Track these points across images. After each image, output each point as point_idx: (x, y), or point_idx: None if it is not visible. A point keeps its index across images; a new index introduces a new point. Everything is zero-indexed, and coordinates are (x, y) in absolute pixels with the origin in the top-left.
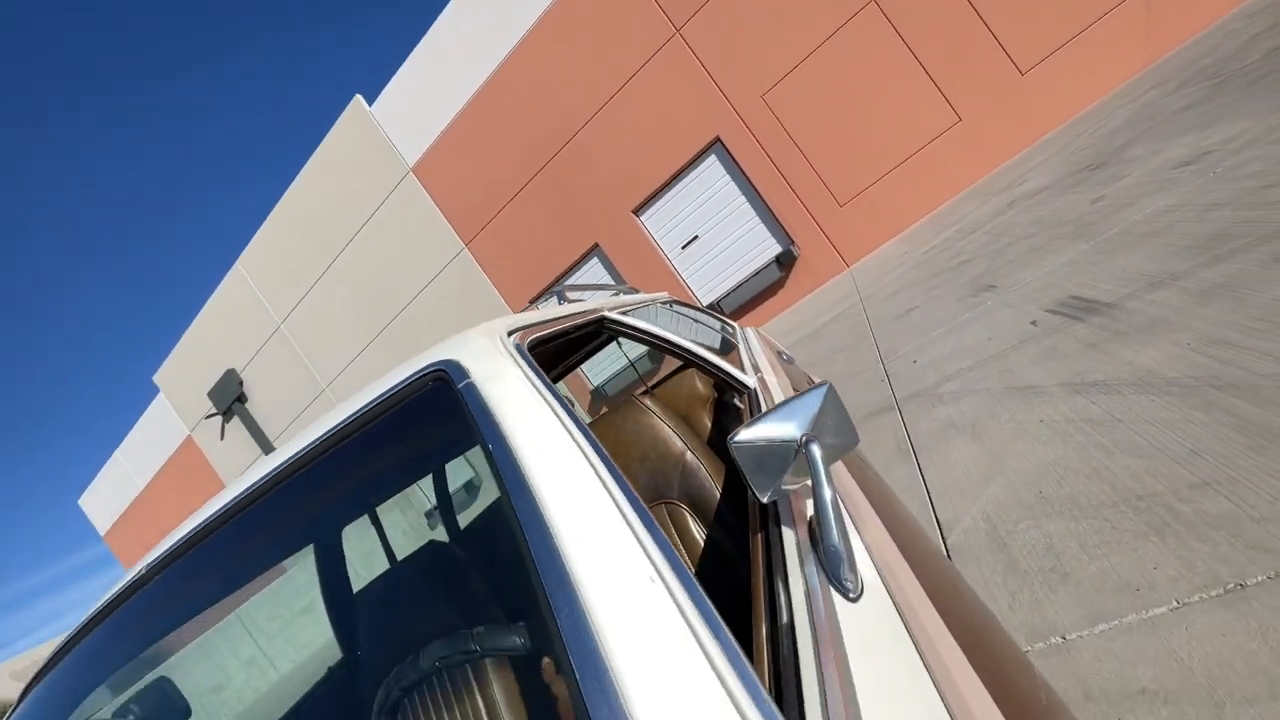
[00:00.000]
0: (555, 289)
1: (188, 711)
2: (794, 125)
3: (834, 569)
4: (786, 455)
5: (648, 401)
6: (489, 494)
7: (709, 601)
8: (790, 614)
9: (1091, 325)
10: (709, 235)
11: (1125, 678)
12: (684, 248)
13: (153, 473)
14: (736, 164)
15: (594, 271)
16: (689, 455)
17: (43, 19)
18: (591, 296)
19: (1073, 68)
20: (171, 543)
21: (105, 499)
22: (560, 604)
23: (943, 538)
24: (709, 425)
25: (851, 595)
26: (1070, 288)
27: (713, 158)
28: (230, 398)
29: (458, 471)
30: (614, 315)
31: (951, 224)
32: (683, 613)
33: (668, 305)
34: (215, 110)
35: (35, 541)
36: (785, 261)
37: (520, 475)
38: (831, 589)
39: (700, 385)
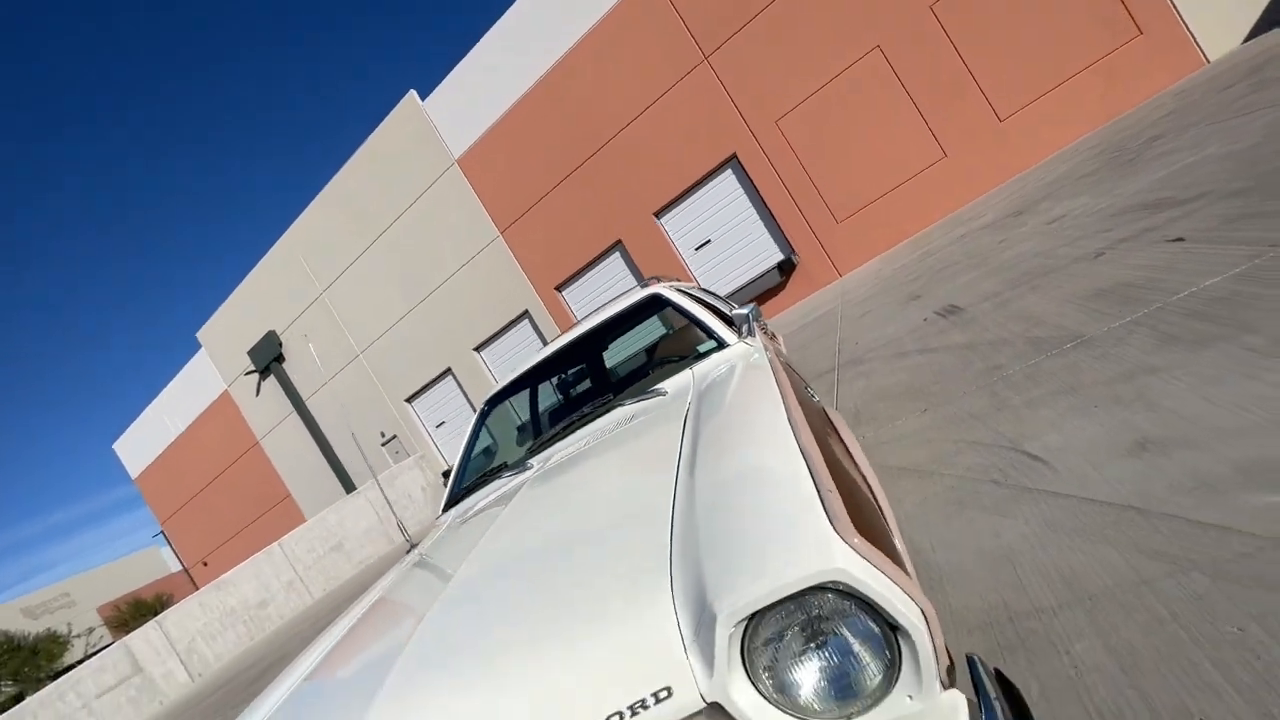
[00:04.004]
0: (650, 279)
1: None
2: (802, 149)
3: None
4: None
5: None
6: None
7: None
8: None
9: (949, 320)
10: (720, 240)
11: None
12: (697, 249)
13: (188, 423)
14: (749, 179)
15: (614, 266)
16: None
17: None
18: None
19: (1043, 119)
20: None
21: (139, 444)
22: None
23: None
24: None
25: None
26: (952, 299)
27: (729, 172)
28: (269, 357)
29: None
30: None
31: (921, 247)
32: None
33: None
34: (279, 92)
35: (65, 480)
36: (786, 268)
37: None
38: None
39: None
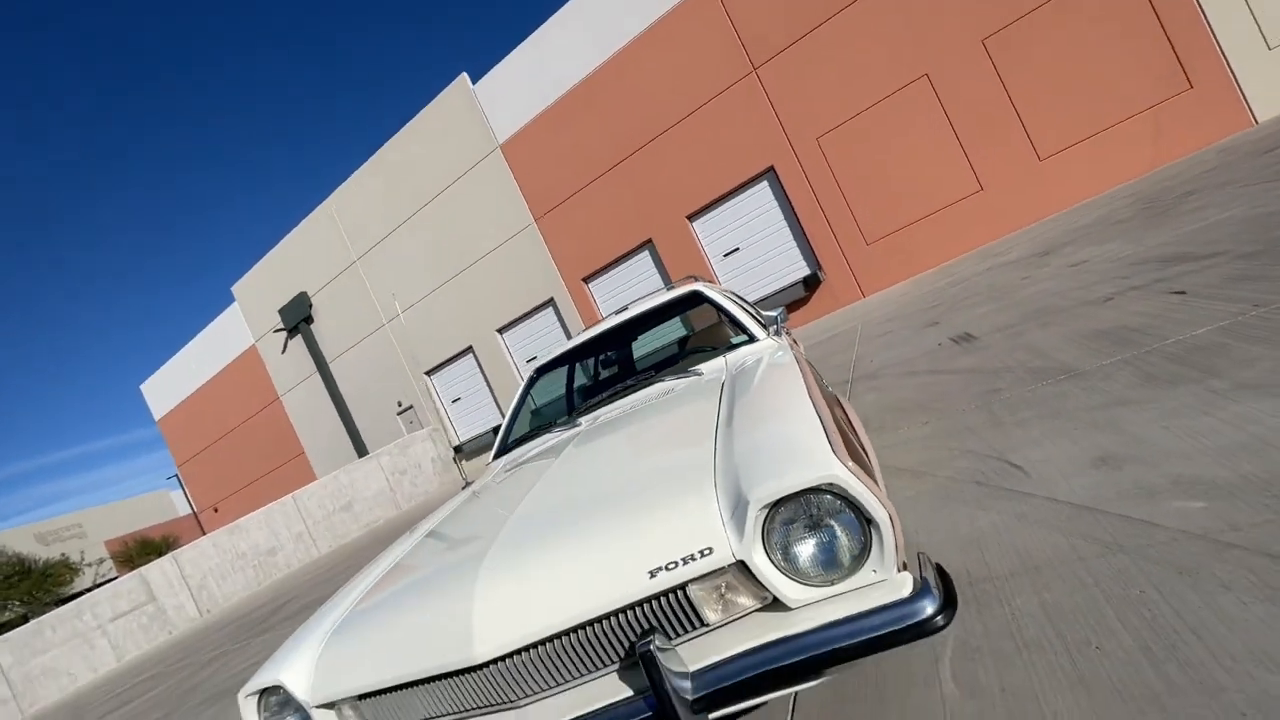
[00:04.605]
0: (686, 278)
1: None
2: (839, 167)
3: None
4: None
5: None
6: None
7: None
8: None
9: (961, 346)
10: (749, 249)
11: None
12: (726, 256)
13: (214, 372)
14: (784, 192)
15: (643, 264)
16: None
17: None
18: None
19: (1084, 163)
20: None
21: (166, 388)
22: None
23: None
24: None
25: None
26: (968, 328)
27: (765, 183)
28: (298, 317)
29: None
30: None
31: (946, 276)
32: None
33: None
34: (341, 64)
35: (91, 415)
36: (811, 283)
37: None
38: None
39: None
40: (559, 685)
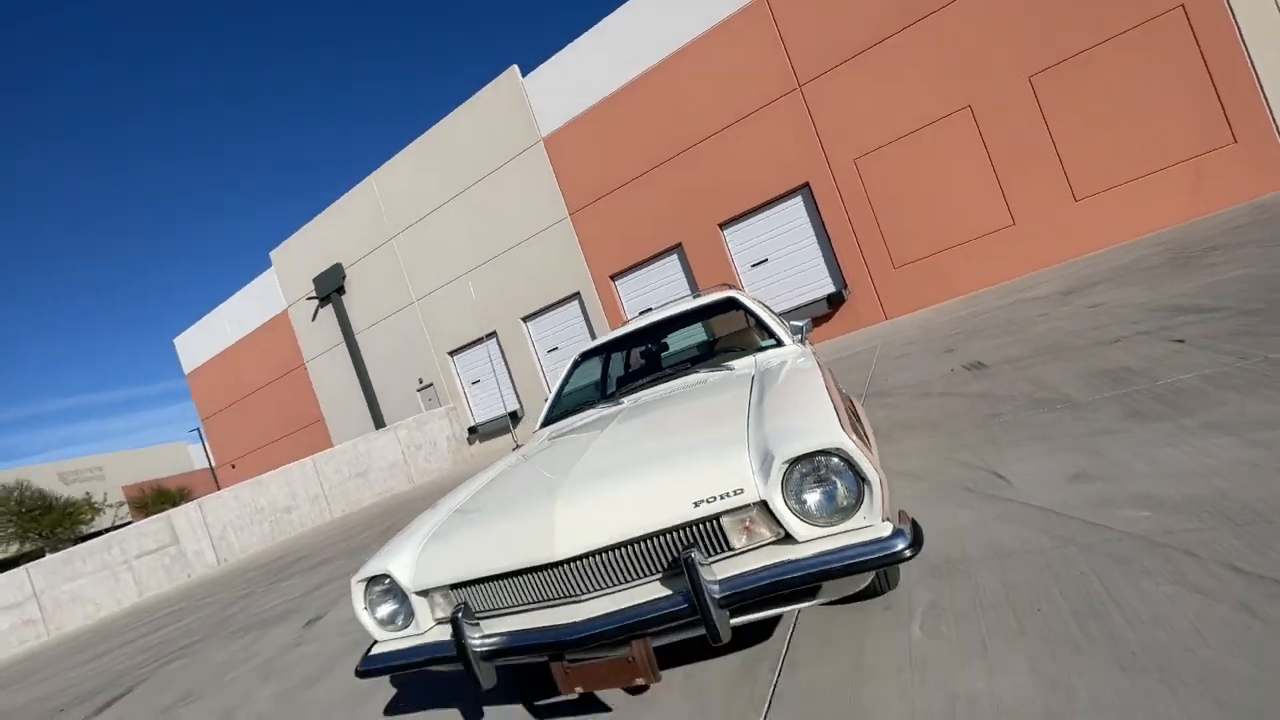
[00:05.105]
0: (720, 285)
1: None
2: (874, 189)
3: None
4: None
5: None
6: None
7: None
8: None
9: (972, 373)
10: (777, 261)
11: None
12: (754, 266)
13: (245, 333)
14: (817, 209)
15: (671, 267)
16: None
17: None
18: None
19: (1119, 206)
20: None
21: (198, 343)
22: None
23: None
24: None
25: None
26: (981, 357)
27: (799, 198)
28: (331, 287)
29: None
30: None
31: (970, 307)
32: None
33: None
34: (395, 47)
35: (122, 362)
36: (835, 301)
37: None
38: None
39: None
40: (615, 586)
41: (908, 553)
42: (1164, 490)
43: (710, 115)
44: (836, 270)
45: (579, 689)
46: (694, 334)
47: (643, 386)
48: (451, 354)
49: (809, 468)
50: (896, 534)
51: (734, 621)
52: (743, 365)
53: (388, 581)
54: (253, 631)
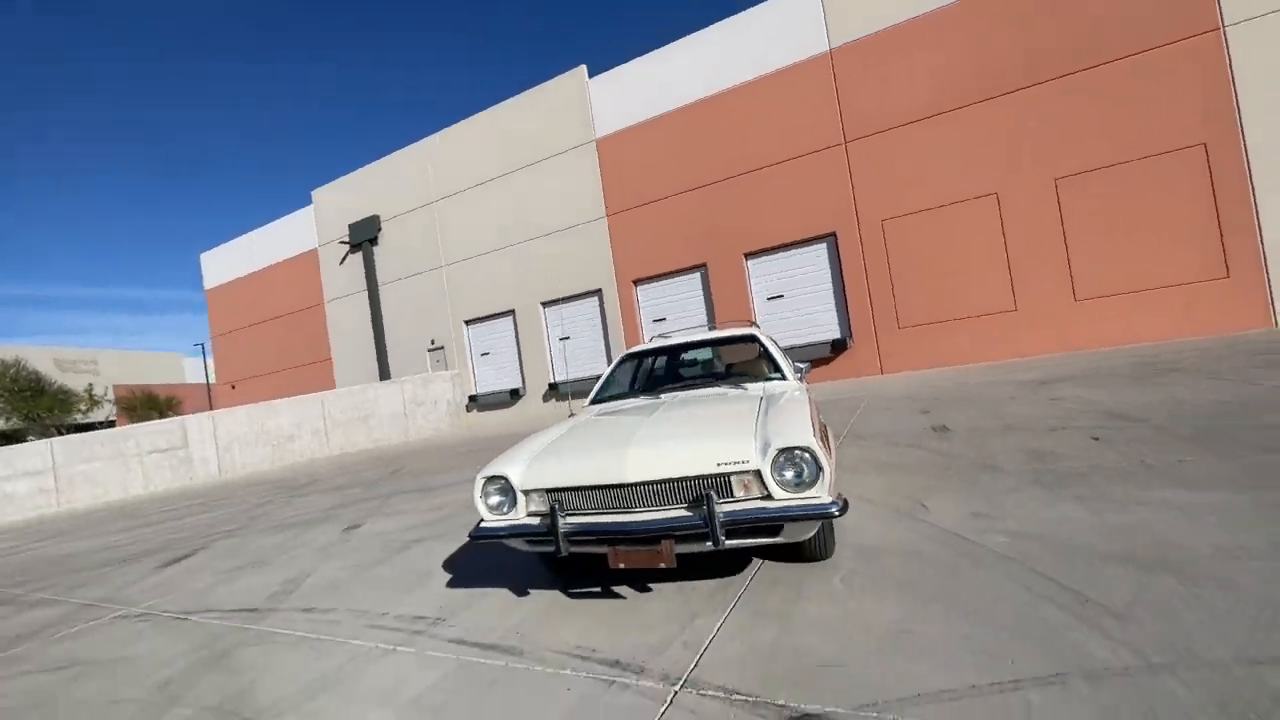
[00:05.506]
0: (745, 322)
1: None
2: (895, 251)
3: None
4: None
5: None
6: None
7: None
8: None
9: (936, 433)
10: (792, 299)
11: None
12: (770, 299)
13: (271, 262)
14: (839, 258)
15: (690, 284)
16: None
17: None
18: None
19: (1113, 314)
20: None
21: (223, 262)
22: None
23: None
24: None
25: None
26: (948, 421)
27: (824, 245)
28: (365, 236)
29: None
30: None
31: (956, 378)
32: None
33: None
34: (482, 22)
35: (144, 264)
36: (838, 347)
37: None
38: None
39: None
40: (657, 505)
41: (837, 513)
42: (1023, 527)
43: (757, 150)
44: (845, 319)
45: (623, 565)
46: (709, 356)
47: (678, 389)
48: (468, 323)
49: (789, 455)
50: (833, 503)
51: (727, 543)
52: (754, 388)
53: (502, 481)
54: (293, 529)
